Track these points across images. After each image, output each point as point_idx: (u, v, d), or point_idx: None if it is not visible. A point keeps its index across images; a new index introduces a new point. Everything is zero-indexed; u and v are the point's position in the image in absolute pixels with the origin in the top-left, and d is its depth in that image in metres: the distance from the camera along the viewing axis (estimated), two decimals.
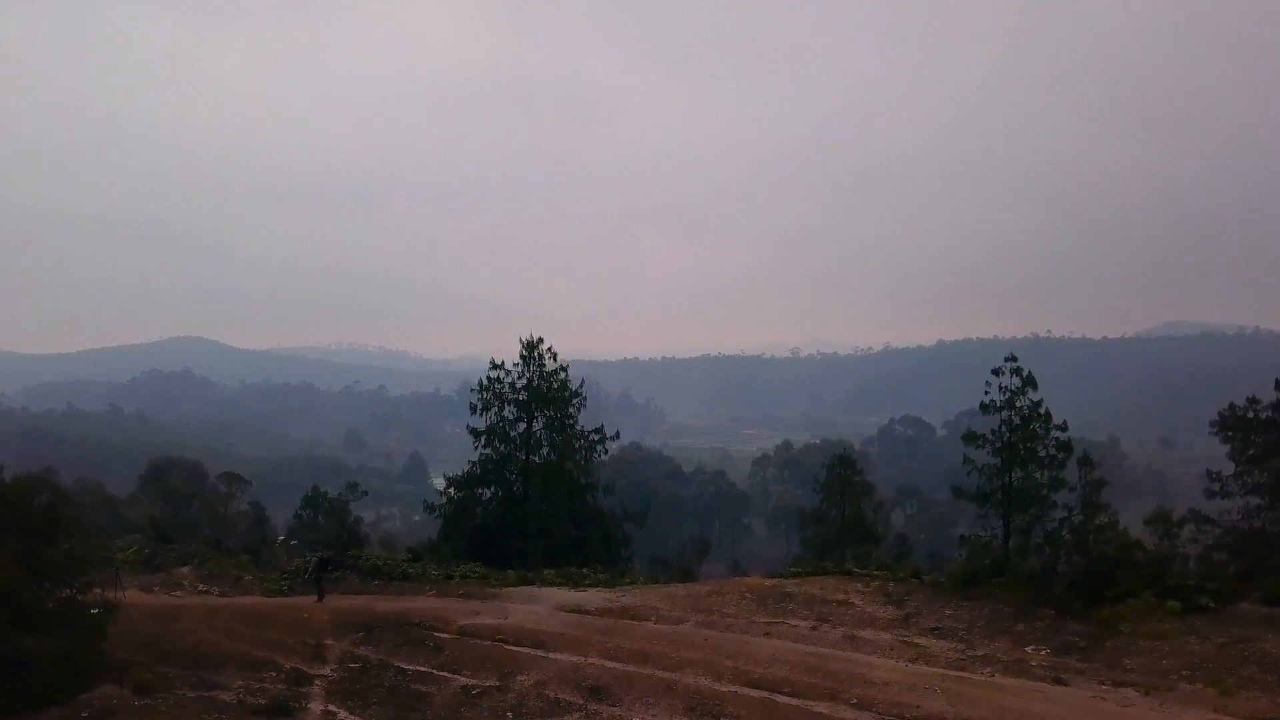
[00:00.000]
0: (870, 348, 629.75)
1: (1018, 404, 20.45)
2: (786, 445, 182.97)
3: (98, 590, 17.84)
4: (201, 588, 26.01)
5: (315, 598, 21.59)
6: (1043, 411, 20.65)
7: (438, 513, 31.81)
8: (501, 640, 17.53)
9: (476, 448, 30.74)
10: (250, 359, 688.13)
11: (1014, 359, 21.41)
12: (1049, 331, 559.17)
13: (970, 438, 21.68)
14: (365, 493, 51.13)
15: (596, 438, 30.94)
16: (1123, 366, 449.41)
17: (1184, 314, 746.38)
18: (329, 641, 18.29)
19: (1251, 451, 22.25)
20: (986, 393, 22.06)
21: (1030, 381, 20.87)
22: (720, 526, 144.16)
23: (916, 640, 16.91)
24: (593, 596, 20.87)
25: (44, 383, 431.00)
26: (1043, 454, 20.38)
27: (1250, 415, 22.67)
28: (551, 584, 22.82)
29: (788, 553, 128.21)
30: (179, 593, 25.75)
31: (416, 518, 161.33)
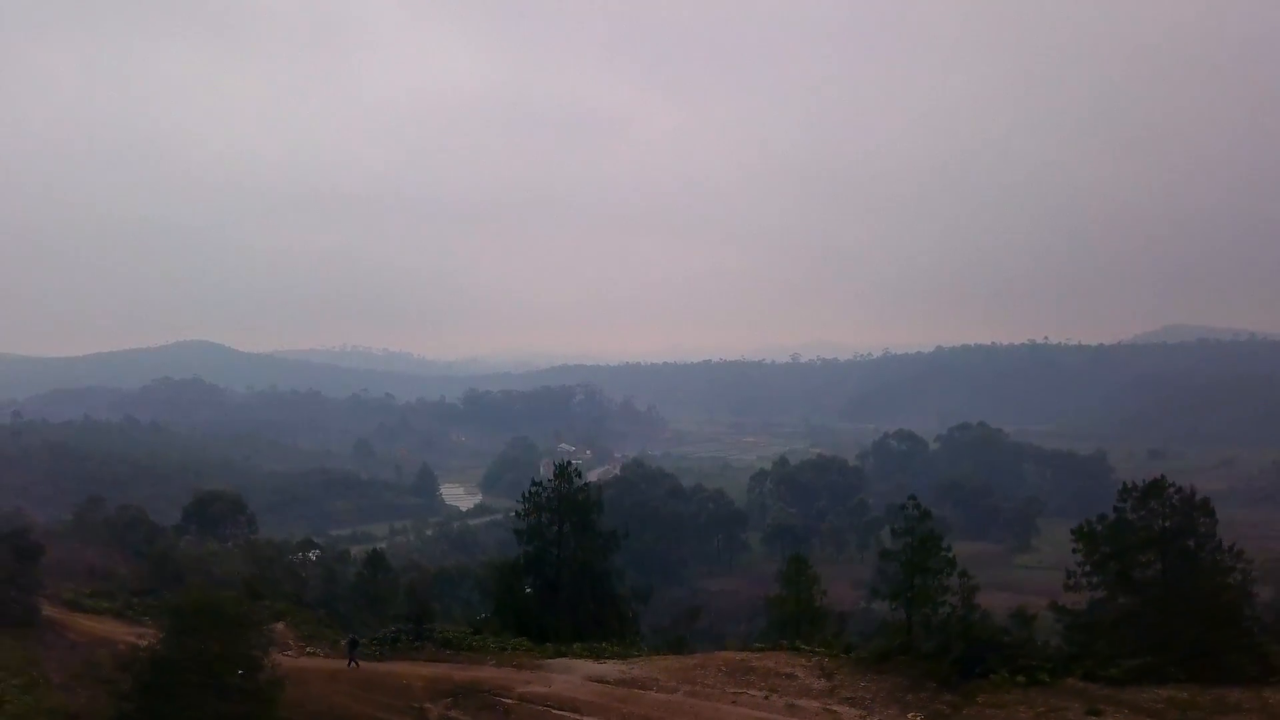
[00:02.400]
0: (870, 353, 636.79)
1: (917, 530, 27.89)
2: (783, 462, 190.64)
3: (270, 668, 25.43)
4: (309, 649, 33.57)
5: (406, 663, 29.18)
6: (935, 535, 28.09)
7: (492, 596, 39.44)
8: (550, 705, 24.96)
9: (520, 545, 38.26)
10: (256, 363, 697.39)
11: (914, 499, 28.88)
12: (1046, 338, 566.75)
13: (884, 554, 29.19)
14: (434, 574, 58.04)
15: (613, 540, 38.34)
16: (1119, 374, 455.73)
17: (1182, 318, 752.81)
18: (428, 705, 25.80)
19: (1097, 556, 29.63)
20: (896, 522, 29.54)
21: (926, 514, 28.34)
22: (719, 543, 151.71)
23: (835, 708, 24.28)
24: (611, 668, 28.33)
25: (56, 389, 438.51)
26: (934, 566, 27.80)
27: (1098, 528, 30.05)
28: (580, 656, 30.19)
29: (782, 568, 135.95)
30: (290, 653, 33.32)
31: (429, 532, 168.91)
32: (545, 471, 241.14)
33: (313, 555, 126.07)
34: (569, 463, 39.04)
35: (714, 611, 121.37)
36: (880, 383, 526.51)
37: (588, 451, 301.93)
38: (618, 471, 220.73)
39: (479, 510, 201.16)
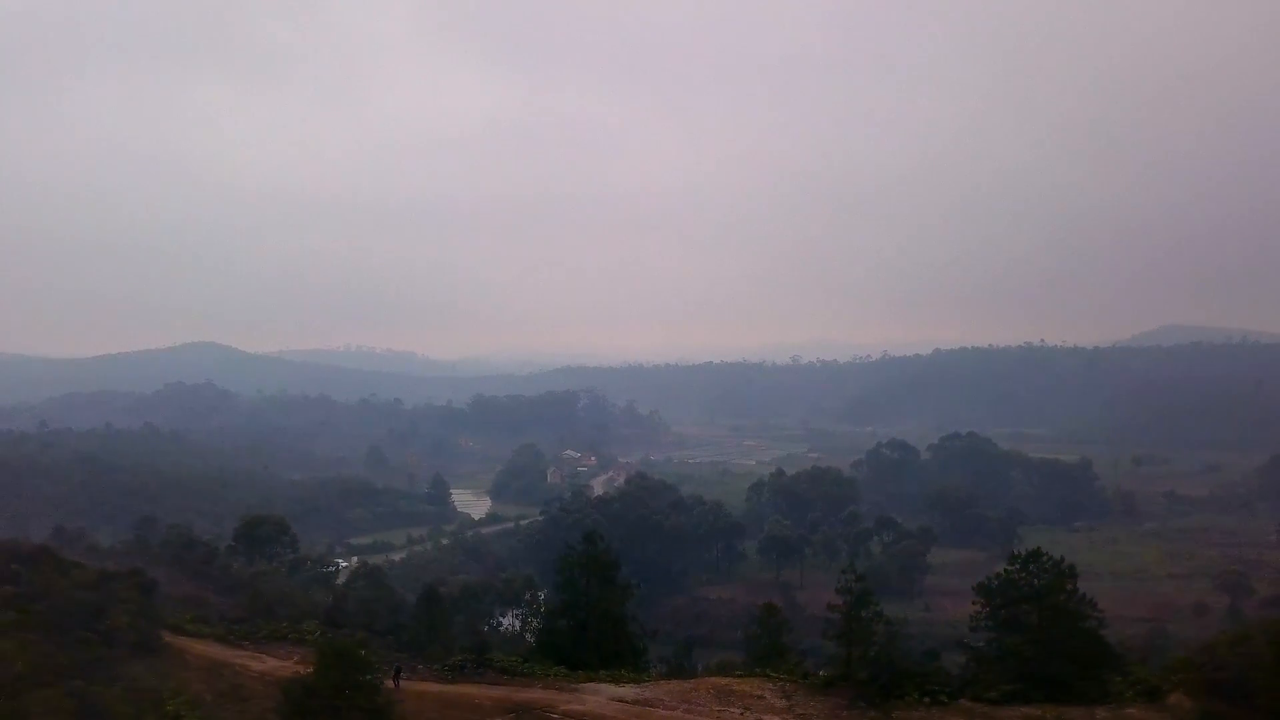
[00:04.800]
0: (869, 355, 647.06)
1: (853, 589, 37.39)
2: (780, 473, 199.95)
3: (385, 692, 35.07)
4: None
5: (477, 685, 38.73)
6: (868, 592, 37.57)
7: (535, 636, 49.18)
8: (587, 719, 34.52)
9: (560, 596, 47.73)
10: (262, 364, 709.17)
11: (853, 566, 38.26)
12: (1042, 340, 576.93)
13: (830, 607, 38.80)
14: (460, 588, 68.02)
15: (628, 590, 47.79)
16: (1113, 377, 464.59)
17: (1178, 318, 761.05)
18: (497, 719, 35.42)
19: (991, 606, 39.10)
20: (840, 582, 39.07)
21: (862, 577, 37.87)
22: (718, 552, 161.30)
23: None
24: (628, 691, 37.85)
25: (69, 392, 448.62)
26: (867, 616, 37.30)
27: (995, 584, 39.56)
28: (604, 681, 39.58)
29: (777, 577, 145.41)
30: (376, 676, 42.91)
31: (445, 541, 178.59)
32: (552, 480, 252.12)
33: (340, 563, 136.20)
34: (597, 534, 48.49)
35: (713, 619, 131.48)
36: (879, 385, 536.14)
37: (592, 458, 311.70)
38: (621, 481, 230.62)
39: (490, 519, 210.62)
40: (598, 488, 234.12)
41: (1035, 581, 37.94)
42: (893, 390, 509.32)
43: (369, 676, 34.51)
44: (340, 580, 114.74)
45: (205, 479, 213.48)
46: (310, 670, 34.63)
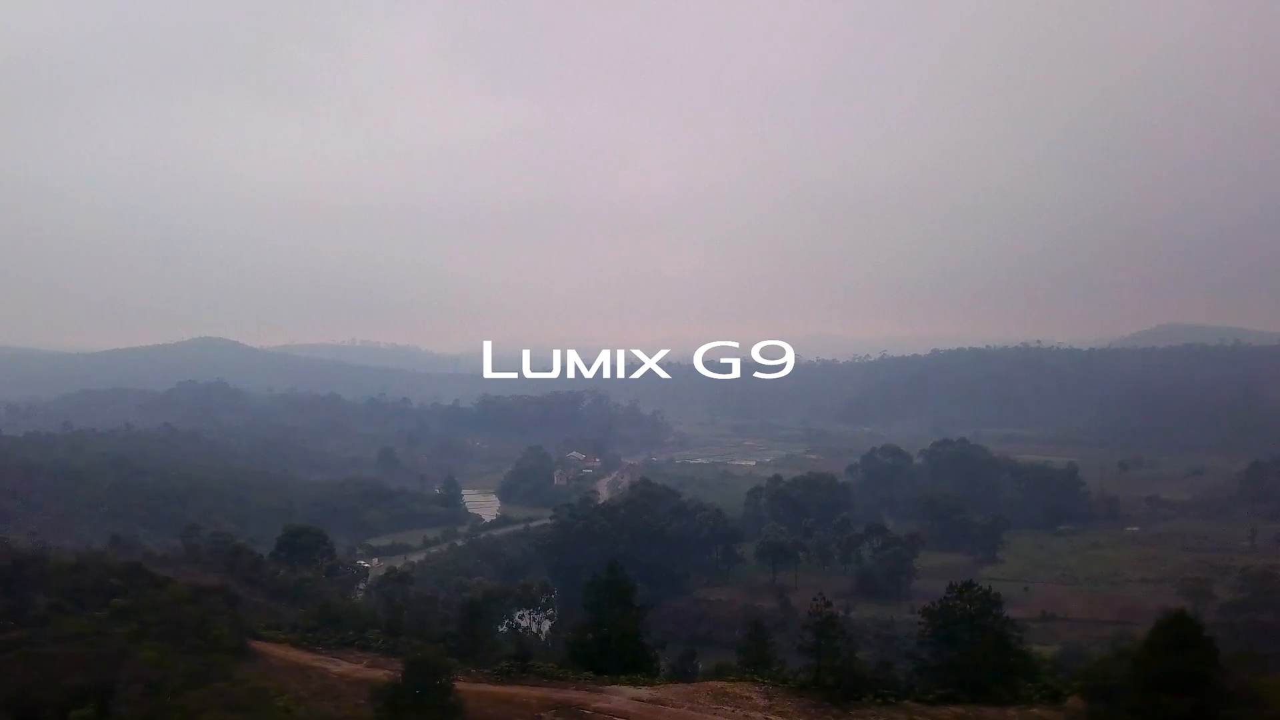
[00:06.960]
0: (868, 355, 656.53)
1: (824, 613, 46.99)
2: (777, 479, 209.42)
3: (455, 694, 44.68)
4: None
5: (519, 687, 48.43)
6: (834, 616, 47.15)
7: (568, 647, 58.97)
8: (613, 714, 44.05)
9: (588, 615, 57.44)
10: (269, 360, 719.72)
11: (823, 594, 47.92)
12: (1039, 341, 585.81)
13: (806, 624, 48.45)
14: (482, 594, 78.01)
15: (643, 610, 57.30)
16: (1108, 378, 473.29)
17: (1175, 317, 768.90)
18: (542, 714, 45.02)
19: (934, 625, 48.68)
20: (812, 605, 48.71)
21: (828, 603, 47.59)
22: (718, 554, 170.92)
23: (770, 718, 43.38)
24: (643, 692, 47.40)
25: (82, 390, 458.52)
26: (833, 633, 46.90)
27: (938, 608, 49.15)
28: (624, 684, 49.12)
29: (774, 579, 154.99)
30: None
31: (460, 543, 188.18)
32: (559, 482, 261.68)
33: (364, 565, 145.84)
34: (618, 565, 58.02)
35: (713, 620, 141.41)
36: (877, 385, 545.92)
37: (596, 460, 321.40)
38: (625, 484, 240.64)
39: (501, 520, 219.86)
40: (603, 490, 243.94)
41: (969, 607, 47.63)
42: (890, 390, 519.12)
43: (445, 680, 44.11)
44: (367, 581, 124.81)
45: (228, 481, 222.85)
46: (397, 673, 44.25)
